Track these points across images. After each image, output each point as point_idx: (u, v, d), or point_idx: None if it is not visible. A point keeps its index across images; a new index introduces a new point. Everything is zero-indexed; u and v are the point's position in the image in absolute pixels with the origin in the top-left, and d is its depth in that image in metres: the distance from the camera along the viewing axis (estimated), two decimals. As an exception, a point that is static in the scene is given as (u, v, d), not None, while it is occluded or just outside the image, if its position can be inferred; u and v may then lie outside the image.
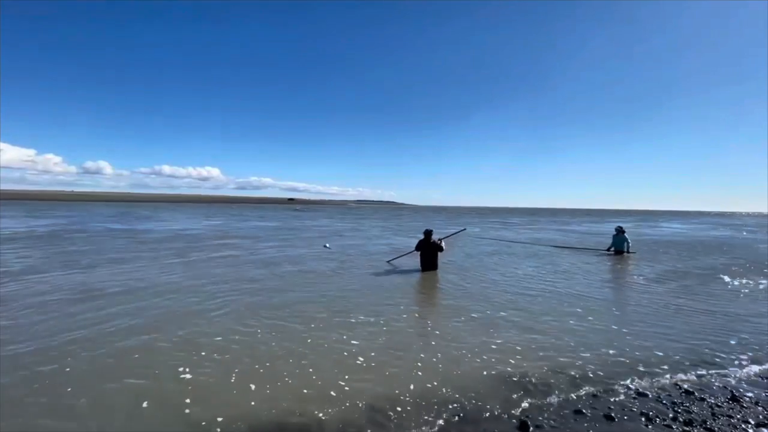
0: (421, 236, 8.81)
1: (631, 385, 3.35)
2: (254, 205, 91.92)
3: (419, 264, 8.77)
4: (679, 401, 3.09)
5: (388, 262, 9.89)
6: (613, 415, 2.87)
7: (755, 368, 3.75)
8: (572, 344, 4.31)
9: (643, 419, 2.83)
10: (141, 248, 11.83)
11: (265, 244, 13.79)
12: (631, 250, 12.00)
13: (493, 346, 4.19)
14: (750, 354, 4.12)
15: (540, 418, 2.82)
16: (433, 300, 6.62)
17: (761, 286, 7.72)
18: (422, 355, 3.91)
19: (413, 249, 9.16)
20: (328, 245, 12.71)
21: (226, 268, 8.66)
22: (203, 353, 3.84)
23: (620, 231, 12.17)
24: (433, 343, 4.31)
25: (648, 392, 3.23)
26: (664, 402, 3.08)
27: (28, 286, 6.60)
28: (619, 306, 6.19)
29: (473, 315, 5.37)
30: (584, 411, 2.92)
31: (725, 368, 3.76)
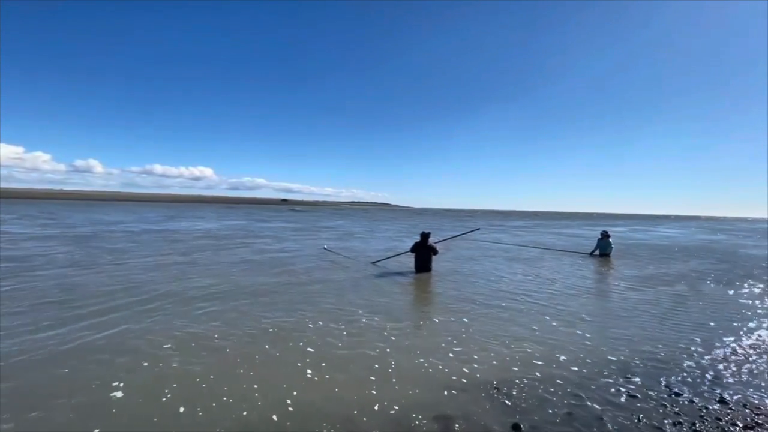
0: (418, 238, 8.83)
1: (620, 388, 3.35)
2: (247, 206, 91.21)
3: (413, 266, 8.77)
4: (668, 403, 3.10)
5: (373, 263, 9.82)
6: (603, 417, 2.87)
7: (745, 371, 3.79)
8: (550, 350, 4.28)
9: (633, 420, 2.83)
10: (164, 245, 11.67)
11: (272, 246, 13.69)
12: (611, 254, 12.39)
13: (451, 355, 4.07)
14: (740, 358, 4.17)
15: (531, 421, 2.81)
16: (402, 303, 6.30)
17: (754, 289, 7.85)
18: (376, 366, 3.69)
19: (407, 251, 9.16)
20: (326, 246, 12.69)
21: (205, 268, 8.60)
22: (146, 363, 3.59)
23: (605, 235, 12.48)
24: (388, 350, 4.11)
25: (637, 394, 3.24)
26: (654, 403, 3.08)
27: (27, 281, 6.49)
28: (596, 310, 6.14)
29: (435, 320, 5.29)
30: (574, 413, 2.92)
31: (713, 372, 3.79)
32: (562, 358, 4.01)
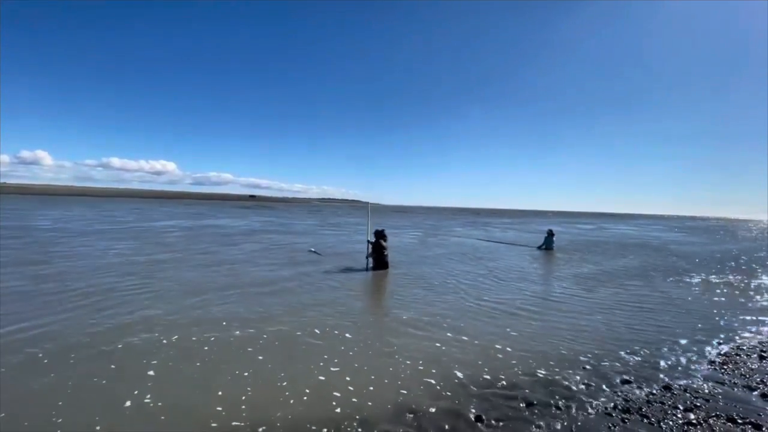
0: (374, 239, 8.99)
1: (575, 377, 3.54)
2: (215, 203, 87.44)
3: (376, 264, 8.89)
4: (619, 390, 3.31)
5: (366, 269, 9.05)
6: (560, 405, 3.01)
7: (684, 359, 4.12)
8: (504, 340, 4.47)
9: (587, 408, 2.99)
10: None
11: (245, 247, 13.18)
12: (554, 248, 14.56)
13: (401, 354, 4.19)
14: (683, 346, 4.52)
15: (493, 412, 2.90)
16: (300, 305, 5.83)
17: (694, 282, 8.52)
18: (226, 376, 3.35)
19: (370, 251, 9.01)
20: (313, 249, 12.16)
21: (170, 268, 8.22)
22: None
23: (551, 233, 14.83)
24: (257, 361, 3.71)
25: (591, 383, 3.43)
26: (606, 391, 3.28)
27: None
28: (547, 303, 6.44)
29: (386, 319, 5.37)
30: (535, 402, 3.04)
31: (656, 360, 4.08)
32: (519, 353, 4.18)
